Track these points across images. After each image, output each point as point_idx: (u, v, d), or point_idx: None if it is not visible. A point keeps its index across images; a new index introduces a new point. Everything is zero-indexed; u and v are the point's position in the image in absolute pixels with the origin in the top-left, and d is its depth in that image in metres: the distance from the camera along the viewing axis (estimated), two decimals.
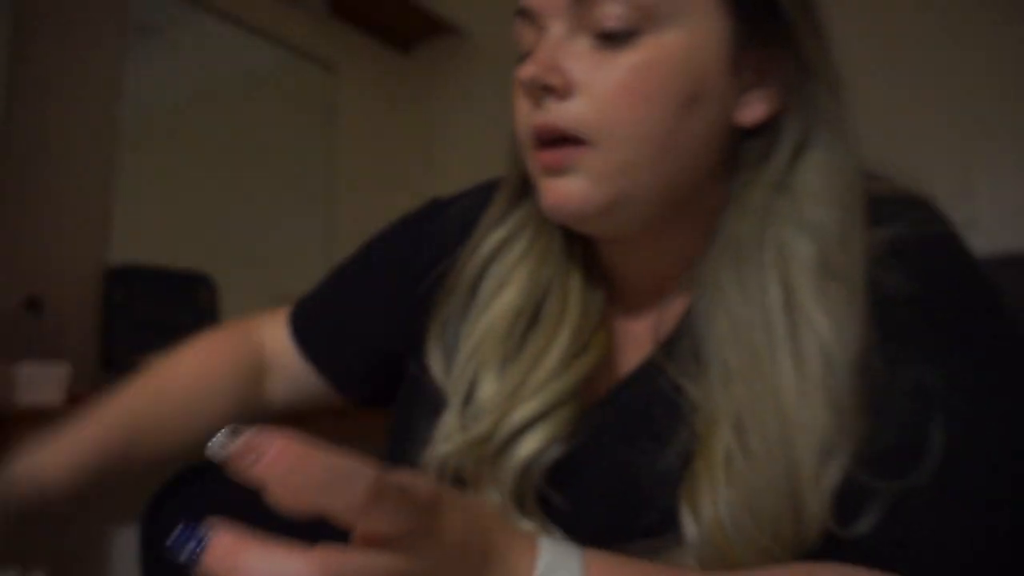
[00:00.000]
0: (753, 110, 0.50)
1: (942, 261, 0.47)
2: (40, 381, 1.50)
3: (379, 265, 0.68)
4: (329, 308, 0.69)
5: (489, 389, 0.52)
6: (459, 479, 0.51)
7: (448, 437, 0.52)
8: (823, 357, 0.44)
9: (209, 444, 0.29)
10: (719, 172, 0.51)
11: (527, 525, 0.49)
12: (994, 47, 1.77)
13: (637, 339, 0.55)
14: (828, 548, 0.42)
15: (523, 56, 0.50)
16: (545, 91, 0.47)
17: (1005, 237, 1.72)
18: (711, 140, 0.49)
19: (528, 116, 0.49)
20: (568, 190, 0.48)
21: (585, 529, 0.48)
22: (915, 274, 0.45)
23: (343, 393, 0.69)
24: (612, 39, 0.46)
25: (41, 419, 1.50)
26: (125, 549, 1.89)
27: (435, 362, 0.57)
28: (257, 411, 0.68)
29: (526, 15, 0.50)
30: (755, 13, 0.48)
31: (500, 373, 0.52)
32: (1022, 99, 1.73)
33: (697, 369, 0.48)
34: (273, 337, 0.70)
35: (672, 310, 0.53)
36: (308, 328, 0.69)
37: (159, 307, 1.80)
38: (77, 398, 1.57)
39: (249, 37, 2.12)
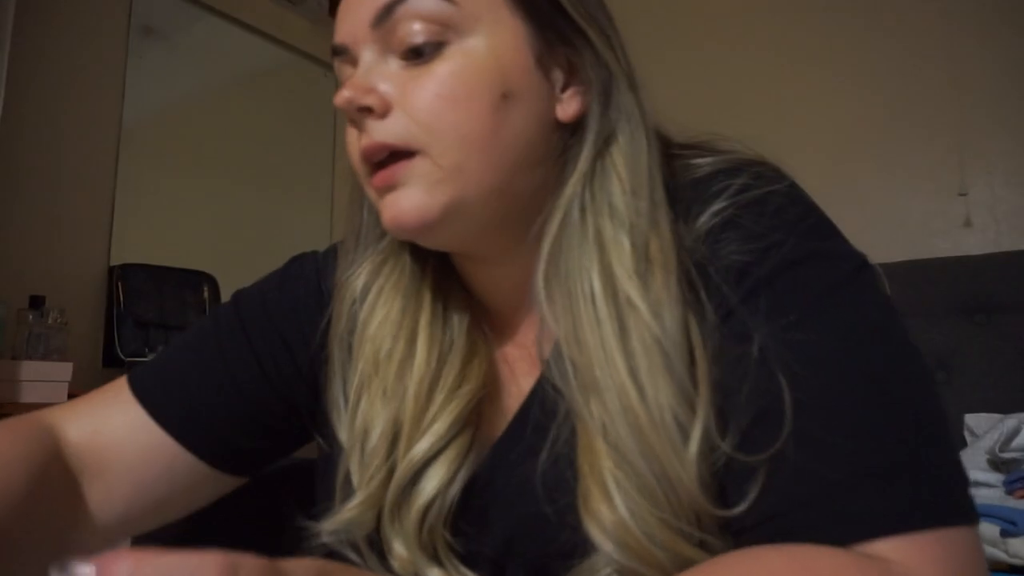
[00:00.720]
0: (568, 106, 0.52)
1: (769, 222, 0.47)
2: (43, 379, 1.51)
3: (243, 326, 0.61)
4: (188, 375, 0.59)
5: (376, 437, 0.52)
6: (371, 541, 0.51)
7: (349, 499, 0.51)
8: (655, 344, 0.45)
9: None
10: (552, 167, 0.52)
11: (436, 573, 0.50)
12: (990, 52, 1.78)
13: (526, 362, 0.55)
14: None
15: None
16: (363, 112, 0.49)
17: (1000, 237, 1.73)
18: (534, 135, 0.51)
19: (356, 143, 0.50)
20: (404, 203, 0.49)
21: (503, 563, 0.49)
22: (746, 241, 0.46)
23: (216, 466, 0.58)
24: (419, 55, 0.49)
25: None
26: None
27: (339, 428, 0.55)
28: (71, 533, 0.55)
29: (339, 52, 0.53)
30: (545, 17, 0.51)
31: (386, 418, 0.52)
32: (1016, 103, 1.74)
33: (573, 379, 0.48)
34: (103, 424, 0.56)
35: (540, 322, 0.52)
36: (166, 400, 0.57)
37: (161, 305, 1.81)
38: (80, 396, 1.58)
39: (249, 37, 2.13)
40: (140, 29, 1.87)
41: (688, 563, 0.42)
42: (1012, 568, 0.65)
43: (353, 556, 0.50)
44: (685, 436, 0.43)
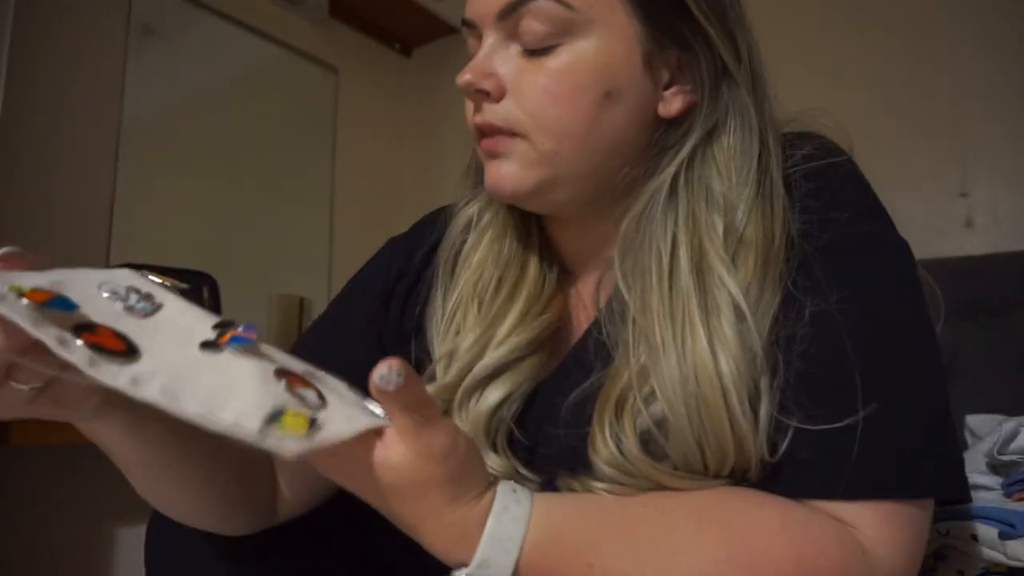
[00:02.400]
0: (671, 104, 0.56)
1: (828, 196, 0.53)
2: None
3: (357, 299, 0.72)
4: (319, 349, 0.68)
5: (464, 345, 0.59)
6: None
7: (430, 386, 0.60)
8: (733, 308, 0.49)
9: (380, 377, 0.39)
10: (648, 157, 0.57)
11: (494, 459, 0.57)
12: (991, 53, 1.78)
13: (586, 307, 0.63)
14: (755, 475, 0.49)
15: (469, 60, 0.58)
16: (480, 94, 0.55)
17: (1001, 238, 1.73)
18: (632, 129, 0.56)
19: (471, 115, 0.57)
20: (504, 171, 0.56)
21: (544, 468, 0.56)
22: (804, 211, 0.52)
23: None
24: (535, 49, 0.54)
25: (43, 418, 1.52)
26: (129, 548, 1.90)
27: (434, 336, 0.63)
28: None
29: (468, 25, 0.58)
30: (663, 19, 0.54)
31: (474, 330, 0.60)
32: (1018, 103, 1.74)
33: (621, 324, 0.54)
34: None
35: (610, 278, 0.59)
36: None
37: None
38: None
39: (249, 37, 2.13)
40: (140, 29, 1.86)
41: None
42: (1011, 570, 0.65)
43: None
44: (740, 400, 0.48)
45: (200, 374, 0.39)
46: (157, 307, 0.44)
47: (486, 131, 0.56)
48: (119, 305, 0.43)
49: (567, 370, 0.59)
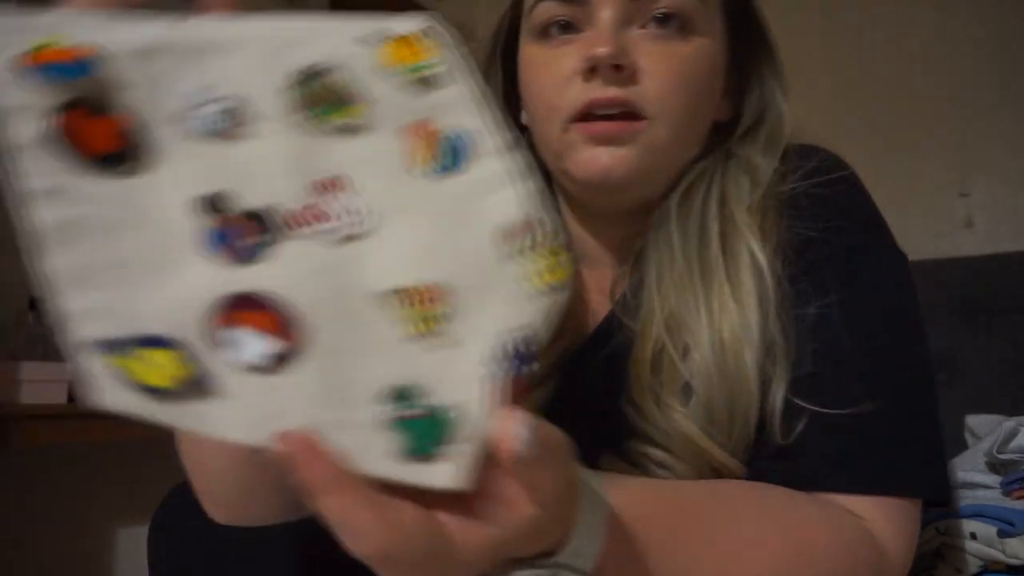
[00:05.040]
0: (721, 110, 0.60)
1: (835, 206, 0.55)
2: (43, 380, 1.51)
3: None
4: None
5: None
6: None
7: None
8: (755, 269, 0.52)
9: (520, 438, 0.28)
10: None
11: None
12: (991, 53, 1.78)
13: (602, 290, 0.63)
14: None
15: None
16: (614, 70, 0.53)
17: (1001, 238, 1.73)
18: (703, 131, 0.58)
19: (581, 90, 0.54)
20: (618, 158, 0.54)
21: (586, 449, 0.56)
22: (813, 219, 0.53)
23: None
24: (664, 34, 0.54)
25: (44, 419, 1.53)
26: (129, 548, 1.90)
27: None
28: None
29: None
30: (739, 36, 0.59)
31: None
32: (1018, 103, 1.74)
33: (635, 304, 0.56)
34: None
35: (623, 272, 0.61)
36: None
37: None
38: (79, 398, 1.58)
39: None
40: None
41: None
42: (1010, 568, 0.65)
43: None
44: (760, 376, 0.50)
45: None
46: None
47: (606, 109, 0.53)
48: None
49: (590, 350, 0.60)
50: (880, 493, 0.47)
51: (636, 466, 0.52)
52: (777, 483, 0.48)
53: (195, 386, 0.29)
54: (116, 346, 0.29)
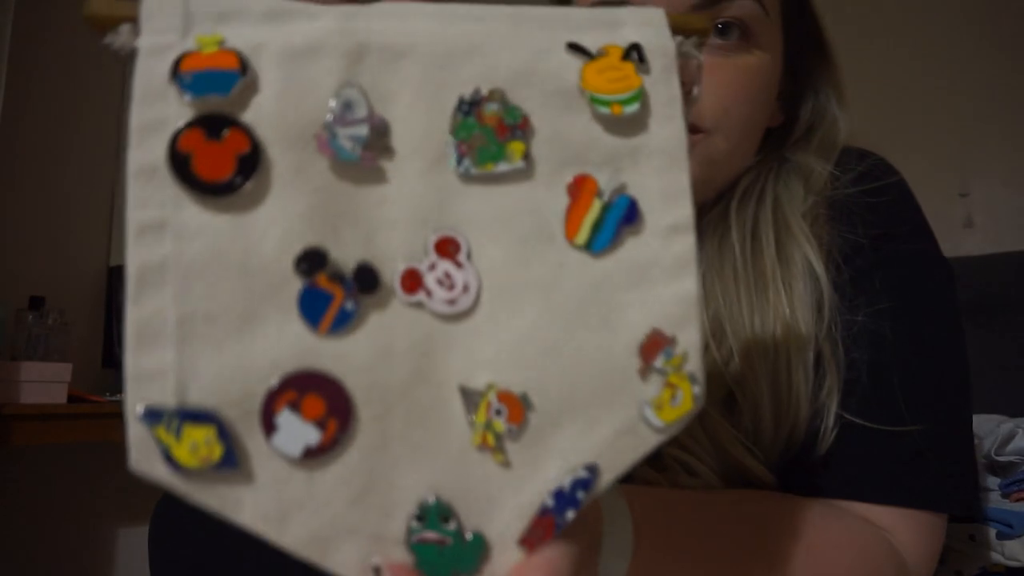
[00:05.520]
0: (778, 114, 0.60)
1: (885, 211, 0.54)
2: (43, 380, 1.51)
3: None
4: None
5: None
6: None
7: None
8: (810, 277, 0.51)
9: None
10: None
11: None
12: (991, 53, 1.78)
13: None
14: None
15: None
16: None
17: (1000, 238, 1.73)
18: (759, 139, 0.58)
19: None
20: None
21: None
22: (863, 225, 0.53)
23: None
24: (727, 38, 0.53)
25: (44, 418, 1.53)
26: (129, 548, 1.90)
27: None
28: None
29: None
30: (796, 42, 0.58)
31: None
32: (1017, 103, 1.74)
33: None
34: None
35: None
36: None
37: None
38: (79, 397, 1.58)
39: None
40: None
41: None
42: (1009, 570, 0.65)
43: None
44: (807, 379, 0.49)
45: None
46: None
47: None
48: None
49: None
50: (910, 506, 0.47)
51: (665, 471, 0.51)
52: (806, 490, 0.48)
53: (224, 469, 0.27)
54: (163, 417, 0.27)
